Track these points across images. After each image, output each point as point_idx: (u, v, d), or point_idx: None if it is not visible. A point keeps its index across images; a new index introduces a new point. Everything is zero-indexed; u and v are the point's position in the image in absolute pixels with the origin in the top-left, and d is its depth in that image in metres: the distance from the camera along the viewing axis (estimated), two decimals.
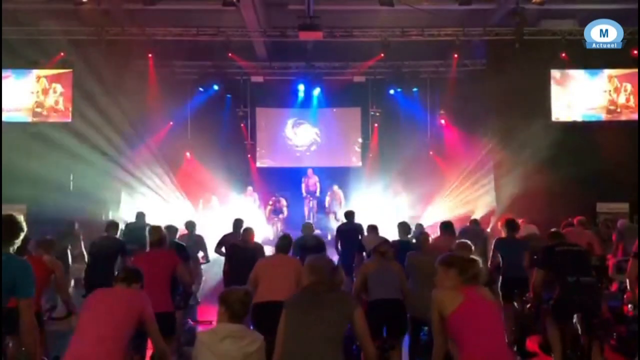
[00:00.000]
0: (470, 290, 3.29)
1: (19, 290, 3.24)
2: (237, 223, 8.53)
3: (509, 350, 3.36)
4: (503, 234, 7.13)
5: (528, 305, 6.09)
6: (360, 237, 8.55)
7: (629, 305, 7.00)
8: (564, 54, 12.98)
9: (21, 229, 3.47)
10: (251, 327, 4.58)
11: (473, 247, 5.47)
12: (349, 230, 9.00)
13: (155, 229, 5.91)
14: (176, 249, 6.56)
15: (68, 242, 8.73)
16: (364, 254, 7.71)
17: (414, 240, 7.32)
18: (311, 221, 10.55)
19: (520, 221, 8.68)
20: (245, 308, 3.40)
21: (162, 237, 5.79)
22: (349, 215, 9.55)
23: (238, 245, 7.63)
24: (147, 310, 3.61)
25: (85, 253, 8.70)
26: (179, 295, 5.94)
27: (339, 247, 9.02)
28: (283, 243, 6.11)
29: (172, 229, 7.50)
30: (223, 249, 8.14)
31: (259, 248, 7.62)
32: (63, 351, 3.48)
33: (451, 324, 3.21)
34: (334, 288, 3.45)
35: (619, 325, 6.60)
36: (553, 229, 6.13)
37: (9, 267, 3.23)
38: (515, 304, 6.61)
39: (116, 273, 4.00)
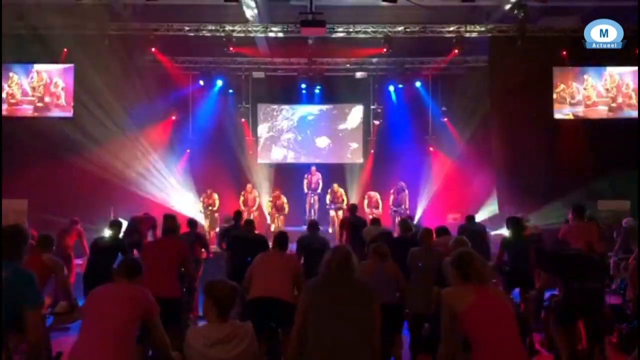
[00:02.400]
0: (482, 288, 3.28)
1: (27, 302, 3.20)
2: (238, 215, 8.53)
3: (523, 347, 3.33)
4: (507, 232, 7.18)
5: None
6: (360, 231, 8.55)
7: (630, 303, 7.04)
8: (565, 51, 12.96)
9: (26, 242, 3.46)
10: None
11: (470, 244, 5.52)
12: (354, 223, 9.05)
13: (169, 217, 5.94)
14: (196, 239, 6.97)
15: (70, 239, 8.77)
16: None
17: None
18: (315, 219, 10.56)
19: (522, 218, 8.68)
20: (233, 302, 3.38)
21: (174, 226, 5.84)
22: (353, 208, 9.62)
23: (240, 237, 7.66)
24: (151, 307, 3.58)
25: (87, 248, 8.74)
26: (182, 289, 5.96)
27: (343, 238, 9.09)
28: (280, 240, 6.01)
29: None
30: (224, 245, 8.17)
31: (261, 239, 7.64)
32: (65, 346, 3.48)
33: (464, 321, 3.18)
34: (353, 275, 3.47)
35: (620, 323, 6.61)
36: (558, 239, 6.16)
37: (16, 279, 3.21)
38: (519, 301, 6.66)
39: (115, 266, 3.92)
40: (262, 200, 14.46)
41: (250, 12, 11.94)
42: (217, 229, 13.13)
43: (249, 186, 14.24)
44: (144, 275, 3.86)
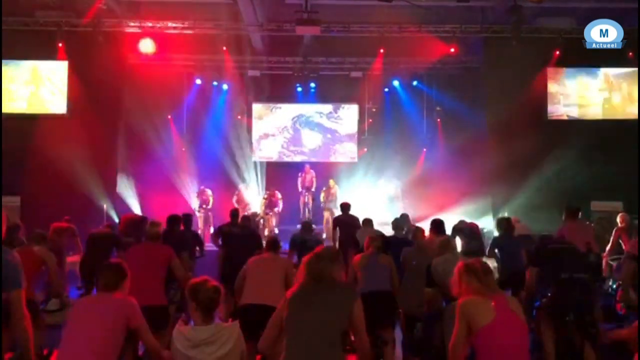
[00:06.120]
0: (501, 302, 3.22)
1: (8, 282, 3.18)
2: (234, 214, 8.55)
3: None
4: (497, 233, 7.21)
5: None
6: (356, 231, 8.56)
7: (621, 304, 7.06)
8: (560, 52, 13.00)
9: None
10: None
11: (455, 247, 5.58)
12: (347, 222, 9.10)
13: (155, 224, 5.93)
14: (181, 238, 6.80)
15: (62, 236, 8.71)
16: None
17: (409, 236, 7.36)
18: (310, 219, 10.60)
19: (512, 219, 8.70)
20: (216, 303, 3.37)
21: (159, 232, 5.83)
22: (346, 207, 9.61)
23: (234, 232, 7.72)
24: (136, 318, 3.53)
25: (80, 246, 8.74)
26: (173, 289, 5.96)
27: (336, 236, 9.15)
28: (273, 243, 6.04)
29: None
30: (219, 240, 8.17)
31: (255, 234, 7.72)
32: (57, 344, 3.45)
33: (480, 338, 3.12)
34: (333, 283, 3.39)
35: (612, 324, 6.63)
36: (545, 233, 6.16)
37: None
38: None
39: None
40: (253, 199, 14.44)
41: (245, 10, 11.91)
42: (212, 228, 13.15)
43: (242, 185, 14.25)
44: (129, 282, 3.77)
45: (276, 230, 13.14)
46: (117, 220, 11.56)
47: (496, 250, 7.15)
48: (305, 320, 3.21)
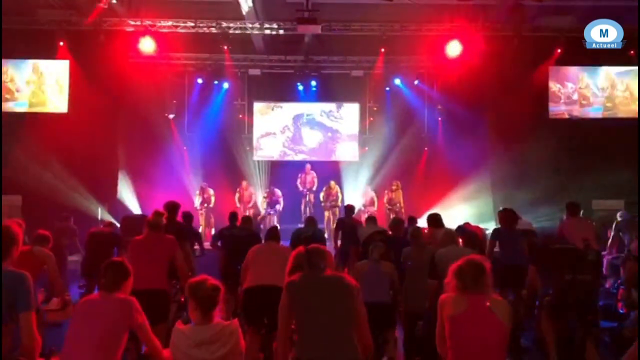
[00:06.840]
0: (478, 299, 3.24)
1: (18, 304, 3.19)
2: (233, 216, 8.55)
3: None
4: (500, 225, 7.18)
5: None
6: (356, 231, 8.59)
7: (622, 303, 7.06)
8: (561, 51, 12.99)
9: (15, 242, 3.41)
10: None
11: (459, 238, 5.56)
12: (348, 224, 9.19)
13: (158, 213, 5.94)
14: (180, 229, 6.77)
15: (64, 236, 8.74)
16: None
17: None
18: (313, 216, 10.63)
19: None
20: (215, 302, 3.38)
21: (162, 221, 5.82)
22: (348, 210, 9.75)
23: (235, 234, 7.76)
24: (137, 319, 3.53)
25: (78, 246, 8.76)
26: (175, 288, 5.97)
27: (339, 238, 9.22)
28: (272, 232, 6.26)
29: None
30: (219, 243, 8.16)
31: (255, 235, 7.75)
32: (58, 343, 3.46)
33: (450, 326, 3.20)
34: (334, 275, 3.50)
35: (612, 322, 6.63)
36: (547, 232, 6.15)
37: (7, 282, 3.18)
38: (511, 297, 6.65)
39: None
40: (257, 197, 14.44)
41: (246, 9, 11.91)
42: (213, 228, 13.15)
43: (244, 183, 14.23)
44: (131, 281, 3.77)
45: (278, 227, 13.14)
46: (117, 219, 11.56)
47: (496, 245, 7.07)
48: (316, 308, 3.30)
